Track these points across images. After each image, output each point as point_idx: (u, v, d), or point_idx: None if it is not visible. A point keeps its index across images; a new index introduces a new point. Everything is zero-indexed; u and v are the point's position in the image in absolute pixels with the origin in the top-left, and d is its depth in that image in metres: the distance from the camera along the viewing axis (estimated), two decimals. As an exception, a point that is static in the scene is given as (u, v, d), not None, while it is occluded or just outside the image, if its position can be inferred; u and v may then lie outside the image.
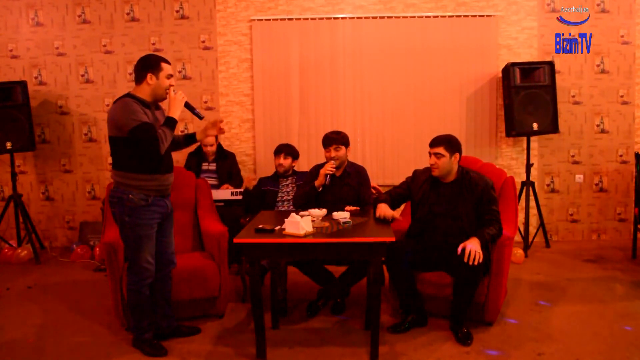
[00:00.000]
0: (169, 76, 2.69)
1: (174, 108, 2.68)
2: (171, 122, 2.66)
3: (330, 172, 3.37)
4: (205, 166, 4.45)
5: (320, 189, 3.41)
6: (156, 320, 2.88)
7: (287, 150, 3.96)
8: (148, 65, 2.66)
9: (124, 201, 2.64)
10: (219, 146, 4.56)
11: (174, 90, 2.71)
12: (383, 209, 2.97)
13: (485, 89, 5.05)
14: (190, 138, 2.94)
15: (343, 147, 3.43)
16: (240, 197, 4.09)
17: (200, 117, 2.83)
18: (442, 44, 5.00)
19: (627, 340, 2.84)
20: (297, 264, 3.37)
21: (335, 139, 3.43)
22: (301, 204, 3.42)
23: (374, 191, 3.54)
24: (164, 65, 2.67)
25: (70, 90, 5.20)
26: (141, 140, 2.55)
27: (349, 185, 3.46)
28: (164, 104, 2.84)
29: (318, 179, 3.40)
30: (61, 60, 5.17)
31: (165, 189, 2.75)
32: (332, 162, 3.38)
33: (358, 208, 3.18)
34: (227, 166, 4.51)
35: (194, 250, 3.55)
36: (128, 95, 2.65)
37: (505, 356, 2.69)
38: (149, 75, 2.64)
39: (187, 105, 2.76)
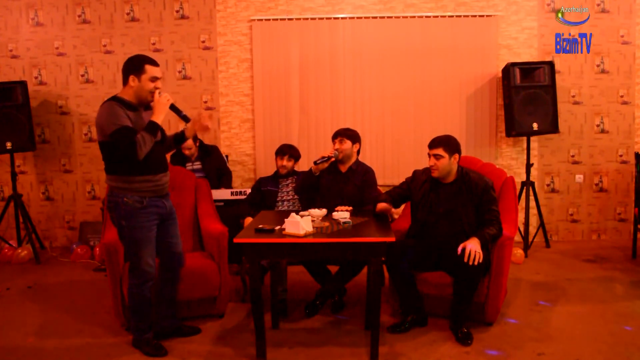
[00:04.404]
0: (154, 79, 2.62)
1: (157, 112, 2.61)
2: (152, 127, 2.58)
3: (328, 155, 3.40)
4: (189, 166, 4.41)
5: (317, 172, 3.43)
6: (158, 320, 2.88)
7: (290, 152, 3.96)
8: (130, 67, 2.62)
9: (119, 205, 2.63)
10: (201, 143, 4.53)
11: (159, 93, 2.63)
12: (383, 205, 3.00)
13: (485, 89, 5.05)
14: (179, 136, 2.87)
15: (348, 141, 3.45)
16: (240, 197, 4.09)
17: (187, 120, 2.77)
18: (442, 44, 5.00)
19: (627, 340, 2.84)
20: (302, 261, 3.38)
21: (340, 132, 3.49)
22: (302, 191, 3.55)
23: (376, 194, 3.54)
24: (148, 67, 2.60)
25: (70, 90, 5.20)
26: (119, 144, 2.52)
27: (352, 183, 3.46)
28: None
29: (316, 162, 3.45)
30: (61, 60, 5.17)
31: (160, 189, 2.72)
32: (335, 151, 3.43)
33: (351, 208, 3.17)
34: (213, 162, 4.47)
35: (194, 250, 3.55)
36: (114, 98, 2.62)
37: (505, 356, 2.69)
38: (131, 78, 2.61)
39: (173, 108, 2.69)
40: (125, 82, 2.64)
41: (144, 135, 2.55)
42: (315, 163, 3.42)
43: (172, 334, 2.93)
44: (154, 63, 2.65)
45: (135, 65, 2.61)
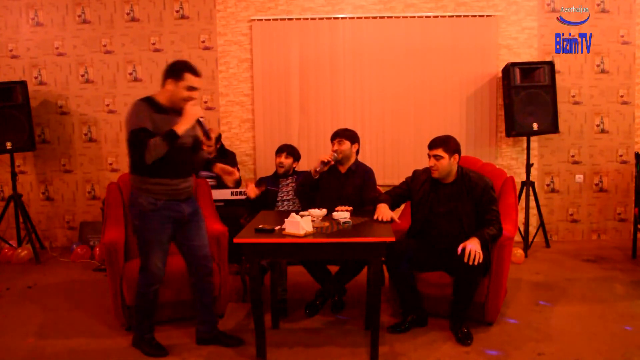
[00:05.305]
0: (190, 88, 2.59)
1: (183, 122, 2.55)
2: (170, 135, 2.51)
3: (327, 159, 3.39)
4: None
5: (317, 175, 3.43)
6: (197, 323, 2.88)
7: (289, 150, 3.96)
8: (171, 70, 2.61)
9: (134, 205, 2.65)
10: (222, 146, 4.56)
11: (192, 104, 2.60)
12: (382, 211, 2.96)
13: (485, 89, 5.05)
14: (208, 164, 2.88)
15: (347, 142, 3.44)
16: (240, 197, 4.09)
17: (209, 137, 2.73)
18: (442, 44, 5.00)
19: (627, 340, 2.84)
20: (301, 262, 3.38)
21: (339, 133, 3.48)
22: (301, 193, 3.54)
23: (376, 194, 3.54)
24: (187, 75, 2.57)
25: (70, 90, 5.20)
26: (132, 145, 2.54)
27: (351, 184, 3.46)
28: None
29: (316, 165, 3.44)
30: (61, 60, 5.17)
31: (177, 194, 2.67)
32: (334, 153, 3.41)
33: (351, 208, 3.17)
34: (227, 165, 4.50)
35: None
36: (147, 97, 2.63)
37: (505, 356, 2.69)
38: (168, 81, 2.60)
39: (199, 122, 2.65)
40: (162, 83, 2.64)
41: (157, 141, 2.50)
42: (315, 170, 3.41)
43: (211, 340, 2.87)
44: (196, 73, 2.62)
45: (175, 71, 2.60)
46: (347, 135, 3.47)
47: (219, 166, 2.85)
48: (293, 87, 5.08)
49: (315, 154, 4.96)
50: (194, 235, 2.79)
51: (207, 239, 2.86)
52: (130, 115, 2.56)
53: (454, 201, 3.01)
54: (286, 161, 3.90)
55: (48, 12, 5.13)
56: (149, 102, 2.60)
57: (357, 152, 3.55)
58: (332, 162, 3.43)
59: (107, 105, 5.20)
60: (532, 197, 4.80)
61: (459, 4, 5.04)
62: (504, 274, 2.97)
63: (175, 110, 2.63)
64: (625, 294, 3.60)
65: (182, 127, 2.55)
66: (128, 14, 5.12)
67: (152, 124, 2.53)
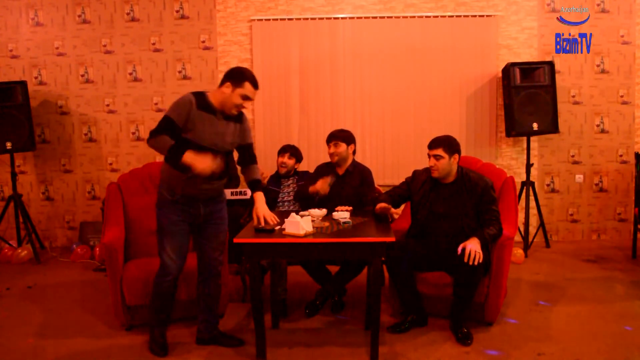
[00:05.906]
0: (245, 97, 2.59)
1: (189, 162, 2.48)
2: (173, 155, 2.50)
3: (329, 184, 3.34)
4: None
5: (315, 194, 3.40)
6: (199, 320, 2.89)
7: (292, 150, 3.96)
8: (233, 75, 2.61)
9: (158, 194, 2.72)
10: None
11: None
12: (382, 204, 2.99)
13: (485, 89, 5.05)
14: (255, 184, 2.83)
15: (343, 144, 3.44)
16: (240, 197, 4.09)
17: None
18: (442, 44, 5.00)
19: (627, 340, 2.84)
20: (301, 262, 3.38)
21: (334, 136, 3.47)
22: (300, 199, 3.54)
23: (376, 194, 3.53)
24: (247, 85, 2.57)
25: (70, 90, 5.20)
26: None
27: (350, 185, 3.46)
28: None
29: (314, 185, 3.38)
30: (61, 60, 5.17)
31: (195, 192, 2.67)
32: (327, 184, 3.34)
33: (351, 208, 3.17)
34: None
35: (194, 250, 3.54)
36: (199, 92, 2.63)
37: (505, 356, 2.69)
38: (227, 84, 2.59)
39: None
40: (220, 84, 2.63)
41: (163, 145, 2.52)
42: (318, 194, 3.38)
43: (211, 340, 2.88)
44: (255, 85, 2.63)
45: (237, 76, 2.60)
46: (342, 137, 3.46)
47: (258, 202, 2.74)
48: (293, 87, 5.08)
49: (315, 154, 4.95)
50: (208, 236, 2.81)
51: (221, 242, 2.86)
52: (174, 102, 2.59)
53: (454, 201, 3.01)
54: (289, 162, 3.90)
55: (48, 12, 5.13)
56: (198, 97, 2.59)
57: (354, 152, 3.55)
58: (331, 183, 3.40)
59: (107, 105, 5.20)
60: (532, 197, 4.80)
61: (459, 4, 5.04)
62: (504, 274, 2.97)
63: (222, 113, 2.62)
64: (625, 294, 3.60)
65: (186, 159, 2.49)
66: (128, 14, 5.12)
67: (186, 118, 2.53)
